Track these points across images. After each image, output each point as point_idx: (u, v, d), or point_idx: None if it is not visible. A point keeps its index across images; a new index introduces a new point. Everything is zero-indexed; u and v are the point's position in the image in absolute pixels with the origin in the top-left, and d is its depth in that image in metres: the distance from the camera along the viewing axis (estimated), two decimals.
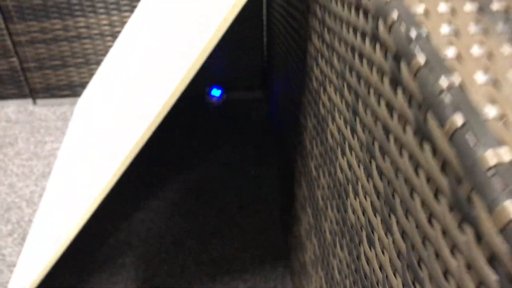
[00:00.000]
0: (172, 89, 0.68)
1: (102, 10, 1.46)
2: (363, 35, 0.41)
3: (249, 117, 1.63)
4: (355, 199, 0.48)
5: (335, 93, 0.54)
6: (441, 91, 0.26)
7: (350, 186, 0.49)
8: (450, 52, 0.28)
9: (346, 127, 0.49)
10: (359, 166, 0.45)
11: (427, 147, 0.28)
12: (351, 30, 0.46)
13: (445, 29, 0.30)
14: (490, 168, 0.22)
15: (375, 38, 0.37)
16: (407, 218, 0.34)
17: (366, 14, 0.40)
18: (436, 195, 0.28)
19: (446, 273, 0.27)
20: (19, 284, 1.03)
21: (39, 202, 1.30)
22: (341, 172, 0.53)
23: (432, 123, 0.27)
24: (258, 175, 1.34)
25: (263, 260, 1.10)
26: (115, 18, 1.48)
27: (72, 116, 1.62)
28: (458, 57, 0.27)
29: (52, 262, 0.88)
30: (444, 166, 0.26)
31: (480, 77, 0.26)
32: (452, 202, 0.26)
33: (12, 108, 1.69)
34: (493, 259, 0.22)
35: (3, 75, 1.61)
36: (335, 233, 0.58)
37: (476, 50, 0.28)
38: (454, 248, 0.26)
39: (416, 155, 0.30)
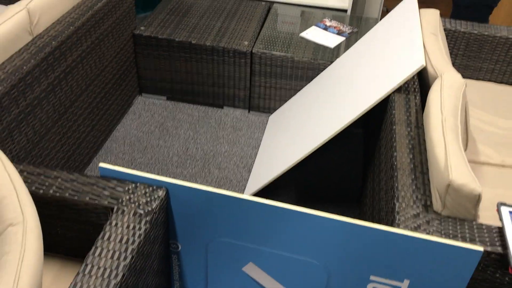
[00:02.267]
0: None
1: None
2: None
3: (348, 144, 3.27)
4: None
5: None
6: None
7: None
8: None
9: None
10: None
11: None
12: None
13: None
14: None
15: None
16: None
17: None
18: None
19: None
20: (252, 187, 2.78)
21: (255, 157, 3.07)
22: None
23: None
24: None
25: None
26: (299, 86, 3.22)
27: (268, 123, 3.38)
28: None
29: (268, 180, 2.61)
30: None
31: None
32: None
33: (238, 112, 3.51)
34: None
35: (240, 96, 3.43)
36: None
37: None
38: None
39: None
